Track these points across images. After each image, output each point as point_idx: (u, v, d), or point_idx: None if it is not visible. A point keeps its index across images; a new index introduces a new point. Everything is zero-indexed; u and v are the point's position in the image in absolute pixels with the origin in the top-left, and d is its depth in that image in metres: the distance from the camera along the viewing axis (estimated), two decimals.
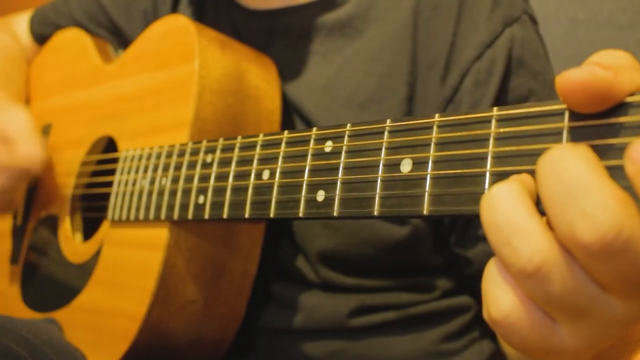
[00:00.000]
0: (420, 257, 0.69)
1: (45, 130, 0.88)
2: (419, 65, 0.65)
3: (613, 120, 0.30)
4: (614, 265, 0.27)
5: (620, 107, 0.30)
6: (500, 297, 0.31)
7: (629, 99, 0.30)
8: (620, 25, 1.03)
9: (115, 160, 0.71)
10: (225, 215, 0.53)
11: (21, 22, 1.01)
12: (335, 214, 0.43)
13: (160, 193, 0.61)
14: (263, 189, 0.50)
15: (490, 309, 0.31)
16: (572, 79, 0.29)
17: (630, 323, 0.30)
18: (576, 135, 0.32)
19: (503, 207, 0.30)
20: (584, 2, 1.06)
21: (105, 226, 0.70)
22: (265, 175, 0.50)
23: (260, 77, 0.69)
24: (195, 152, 0.59)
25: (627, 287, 0.28)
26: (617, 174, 0.29)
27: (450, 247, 0.69)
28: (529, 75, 0.65)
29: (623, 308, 0.29)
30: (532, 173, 0.33)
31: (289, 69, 0.72)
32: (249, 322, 0.70)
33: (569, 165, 0.28)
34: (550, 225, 0.30)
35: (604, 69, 0.29)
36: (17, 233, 0.86)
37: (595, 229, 0.27)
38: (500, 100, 0.64)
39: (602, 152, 0.30)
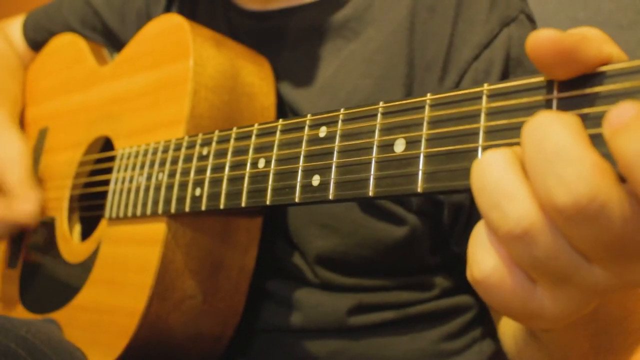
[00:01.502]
0: (418, 256, 0.69)
1: (42, 134, 0.88)
2: (416, 67, 0.65)
3: (603, 88, 0.31)
4: (589, 230, 0.28)
5: (609, 76, 0.31)
6: (483, 258, 0.32)
7: (617, 66, 0.31)
8: (621, 25, 1.03)
9: (112, 159, 0.72)
10: (222, 206, 0.54)
11: (15, 27, 1.02)
12: (330, 197, 0.44)
13: (157, 188, 0.62)
14: (259, 178, 0.50)
15: (473, 269, 0.32)
16: (540, 36, 0.30)
17: (609, 290, 0.31)
18: (566, 106, 0.32)
19: (493, 172, 0.31)
20: (584, 2, 1.06)
21: (102, 225, 0.70)
22: (261, 163, 0.51)
23: (254, 74, 0.69)
24: (191, 146, 0.59)
25: (603, 253, 0.29)
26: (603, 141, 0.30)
27: (449, 246, 0.69)
28: (527, 74, 0.65)
29: (604, 276, 0.30)
30: None
31: (286, 70, 0.72)
32: (248, 321, 0.70)
33: (550, 133, 0.29)
34: None
35: (571, 34, 0.30)
36: (15, 237, 0.86)
37: (570, 194, 0.27)
38: None
39: (591, 121, 0.31)
